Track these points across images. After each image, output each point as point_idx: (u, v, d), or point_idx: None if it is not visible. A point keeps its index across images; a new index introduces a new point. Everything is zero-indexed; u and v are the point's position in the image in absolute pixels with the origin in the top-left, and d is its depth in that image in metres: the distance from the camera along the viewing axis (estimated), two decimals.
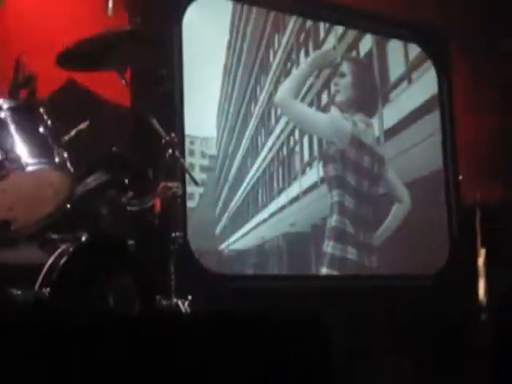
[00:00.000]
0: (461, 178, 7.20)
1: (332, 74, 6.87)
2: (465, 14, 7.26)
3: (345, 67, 6.97)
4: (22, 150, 3.23)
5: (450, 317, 6.26)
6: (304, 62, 6.76)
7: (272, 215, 6.30)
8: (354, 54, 7.08)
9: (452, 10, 7.19)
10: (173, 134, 4.34)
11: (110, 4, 4.26)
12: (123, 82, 4.22)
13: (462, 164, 7.34)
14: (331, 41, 6.93)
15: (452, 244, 7.21)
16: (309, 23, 6.82)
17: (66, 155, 3.37)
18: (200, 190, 5.70)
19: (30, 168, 3.23)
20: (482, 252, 6.58)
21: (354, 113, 6.87)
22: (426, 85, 7.43)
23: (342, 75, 6.92)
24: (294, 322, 2.06)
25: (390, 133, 7.05)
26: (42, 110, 3.38)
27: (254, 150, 6.35)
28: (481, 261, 6.55)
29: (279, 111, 6.53)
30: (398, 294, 6.52)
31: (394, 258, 6.93)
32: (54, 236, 3.53)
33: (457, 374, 3.69)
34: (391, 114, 7.12)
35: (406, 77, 7.35)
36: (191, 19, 6.01)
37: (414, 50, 7.39)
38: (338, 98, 6.85)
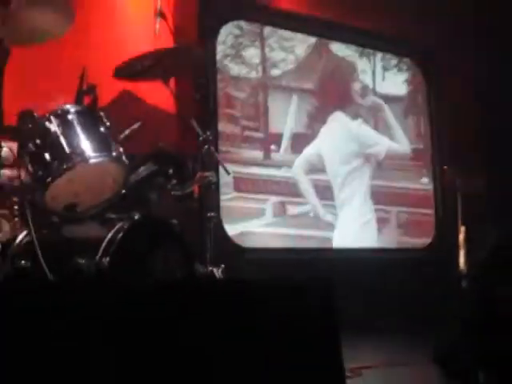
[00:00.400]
0: (446, 168, 7.20)
1: None
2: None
3: None
4: (86, 145, 3.26)
5: (437, 282, 6.26)
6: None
7: None
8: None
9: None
10: (208, 133, 4.35)
11: (157, 26, 4.26)
12: (169, 89, 4.23)
13: (446, 154, 7.37)
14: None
15: (438, 221, 7.23)
16: (321, 41, 6.82)
17: (121, 150, 3.39)
18: None
19: (92, 160, 3.26)
20: (462, 229, 6.57)
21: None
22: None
23: None
24: (305, 286, 2.06)
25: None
26: (102, 113, 3.40)
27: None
28: (461, 237, 6.54)
29: None
30: (395, 263, 6.56)
31: (393, 233, 6.97)
32: (112, 215, 3.54)
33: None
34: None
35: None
36: (223, 39, 6.06)
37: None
38: None
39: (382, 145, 6.96)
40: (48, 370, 1.66)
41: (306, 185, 6.38)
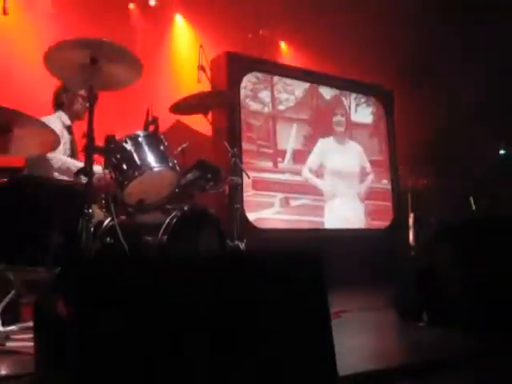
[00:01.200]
0: (400, 172, 7.20)
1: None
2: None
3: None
4: (151, 159, 3.25)
5: (393, 252, 6.24)
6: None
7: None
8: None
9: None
10: (235, 149, 4.35)
11: (199, 75, 4.26)
12: (208, 120, 4.23)
13: (400, 163, 7.36)
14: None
15: (395, 210, 7.20)
16: (312, 86, 6.81)
17: (175, 162, 3.39)
18: None
19: (155, 169, 3.24)
20: (412, 215, 6.54)
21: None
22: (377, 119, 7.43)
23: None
24: (303, 256, 2.03)
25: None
26: (162, 136, 3.40)
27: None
28: (411, 221, 6.51)
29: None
30: (365, 239, 6.54)
31: (362, 218, 6.93)
32: (169, 207, 3.55)
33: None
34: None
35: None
36: (245, 85, 6.07)
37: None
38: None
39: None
40: (129, 324, 1.60)
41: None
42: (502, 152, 7.97)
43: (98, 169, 3.18)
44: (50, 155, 3.69)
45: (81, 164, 3.46)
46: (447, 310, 2.89)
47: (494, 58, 6.91)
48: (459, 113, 7.18)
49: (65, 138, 3.93)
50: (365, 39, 7.19)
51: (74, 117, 4.13)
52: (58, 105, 4.14)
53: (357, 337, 2.86)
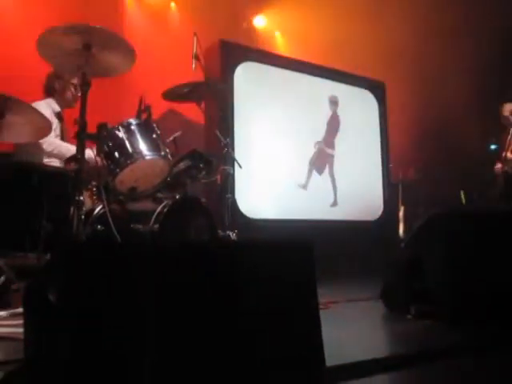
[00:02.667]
0: (391, 165, 7.21)
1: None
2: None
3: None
4: (143, 147, 3.25)
5: (383, 243, 6.26)
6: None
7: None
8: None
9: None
10: (228, 139, 4.34)
11: (194, 65, 4.24)
12: (201, 109, 4.22)
13: (392, 158, 7.37)
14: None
15: (385, 203, 7.22)
16: (309, 77, 6.77)
17: (167, 150, 3.38)
18: None
19: (147, 157, 3.25)
20: (402, 208, 6.57)
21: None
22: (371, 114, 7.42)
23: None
24: (293, 245, 2.03)
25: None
26: (154, 125, 3.39)
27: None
28: (401, 213, 6.54)
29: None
30: (356, 230, 6.55)
31: (354, 211, 6.93)
32: (161, 195, 3.55)
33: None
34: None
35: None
36: (238, 74, 6.02)
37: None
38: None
39: None
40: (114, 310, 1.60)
41: None
42: (492, 147, 8.00)
43: (88, 152, 3.17)
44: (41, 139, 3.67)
45: (74, 148, 3.44)
46: (434, 302, 2.91)
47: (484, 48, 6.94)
48: (450, 105, 7.19)
49: (55, 124, 3.92)
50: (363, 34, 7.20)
51: (64, 105, 4.12)
52: (49, 91, 4.13)
53: (345, 328, 2.87)
